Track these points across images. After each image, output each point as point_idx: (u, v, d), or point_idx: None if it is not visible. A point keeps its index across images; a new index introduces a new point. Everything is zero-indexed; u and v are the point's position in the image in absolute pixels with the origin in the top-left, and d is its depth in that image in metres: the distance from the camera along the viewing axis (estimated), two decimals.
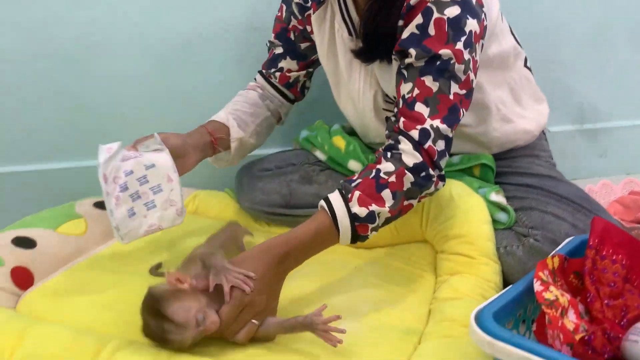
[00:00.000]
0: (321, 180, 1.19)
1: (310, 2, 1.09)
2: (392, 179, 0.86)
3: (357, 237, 0.87)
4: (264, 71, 1.22)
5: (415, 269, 1.05)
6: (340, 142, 1.21)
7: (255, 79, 1.24)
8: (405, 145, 0.88)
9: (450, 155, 1.15)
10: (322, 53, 1.13)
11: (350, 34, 1.04)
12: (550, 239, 0.98)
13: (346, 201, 0.86)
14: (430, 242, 1.11)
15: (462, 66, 0.88)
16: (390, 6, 0.92)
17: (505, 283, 0.99)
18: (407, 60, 0.89)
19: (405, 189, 0.87)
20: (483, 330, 0.63)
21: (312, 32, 1.13)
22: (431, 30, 0.87)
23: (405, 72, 0.91)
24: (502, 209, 1.07)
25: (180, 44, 1.35)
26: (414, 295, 0.98)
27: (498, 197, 1.09)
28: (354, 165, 1.17)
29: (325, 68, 1.16)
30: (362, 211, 0.85)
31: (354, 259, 1.10)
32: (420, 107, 0.88)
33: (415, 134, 0.88)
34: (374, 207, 0.85)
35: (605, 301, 0.76)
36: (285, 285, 0.97)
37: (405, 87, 0.90)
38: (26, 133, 1.36)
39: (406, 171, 0.86)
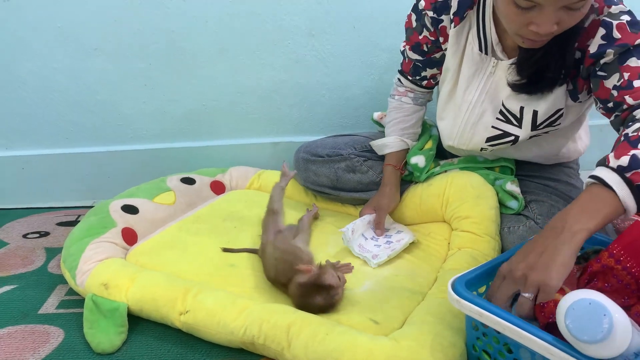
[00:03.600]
0: (363, 170, 1.40)
1: (448, 16, 1.15)
2: None
3: (635, 188, 0.80)
4: (409, 77, 1.34)
5: (432, 244, 1.28)
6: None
7: (400, 80, 1.37)
8: None
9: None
10: (449, 62, 1.21)
11: (480, 49, 1.14)
12: None
13: (604, 163, 0.85)
14: (447, 222, 1.33)
15: None
16: (565, 48, 1.00)
17: None
18: (603, 60, 0.97)
19: None
20: (455, 292, 0.86)
21: (444, 42, 1.20)
22: (616, 34, 0.95)
23: (603, 72, 0.98)
24: (515, 197, 1.27)
25: (250, 47, 1.60)
26: (427, 264, 1.21)
27: (512, 187, 1.28)
28: (415, 159, 1.37)
29: (444, 74, 1.25)
30: (623, 160, 0.82)
31: None
32: (639, 82, 0.94)
33: None
34: (633, 152, 0.82)
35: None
36: (325, 252, 1.25)
37: (612, 80, 0.96)
38: (125, 120, 1.67)
39: None
